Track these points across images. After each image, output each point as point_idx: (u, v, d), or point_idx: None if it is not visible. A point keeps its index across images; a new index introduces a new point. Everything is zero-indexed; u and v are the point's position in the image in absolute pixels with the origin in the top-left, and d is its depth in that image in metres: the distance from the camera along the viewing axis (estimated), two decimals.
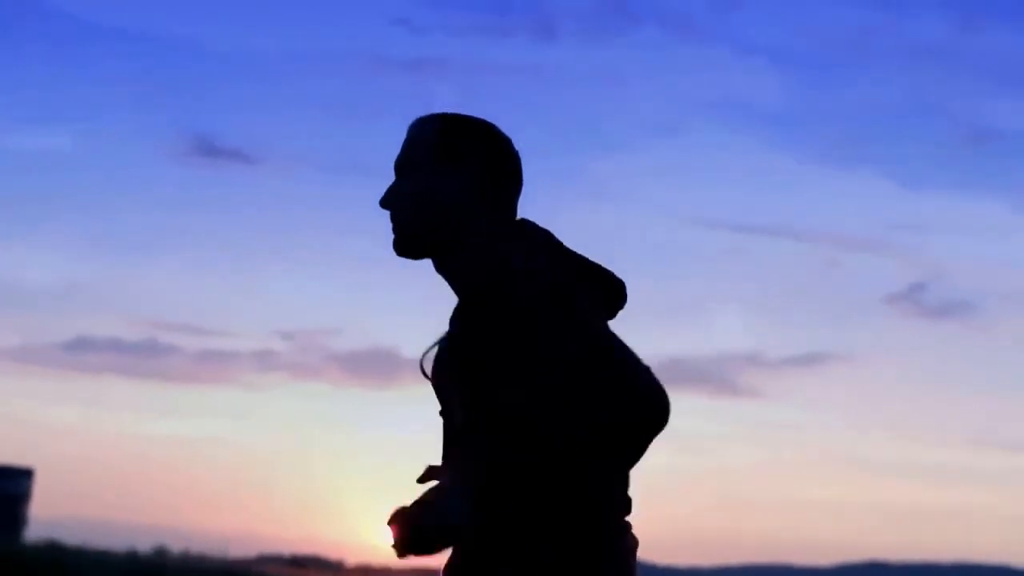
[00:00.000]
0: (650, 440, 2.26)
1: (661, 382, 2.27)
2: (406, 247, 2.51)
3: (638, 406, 2.23)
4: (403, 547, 2.34)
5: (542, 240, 2.45)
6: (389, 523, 2.34)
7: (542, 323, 2.30)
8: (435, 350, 2.49)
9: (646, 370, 2.27)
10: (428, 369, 2.50)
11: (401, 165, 2.53)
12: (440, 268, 2.51)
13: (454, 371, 2.39)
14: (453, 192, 2.47)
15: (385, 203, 2.52)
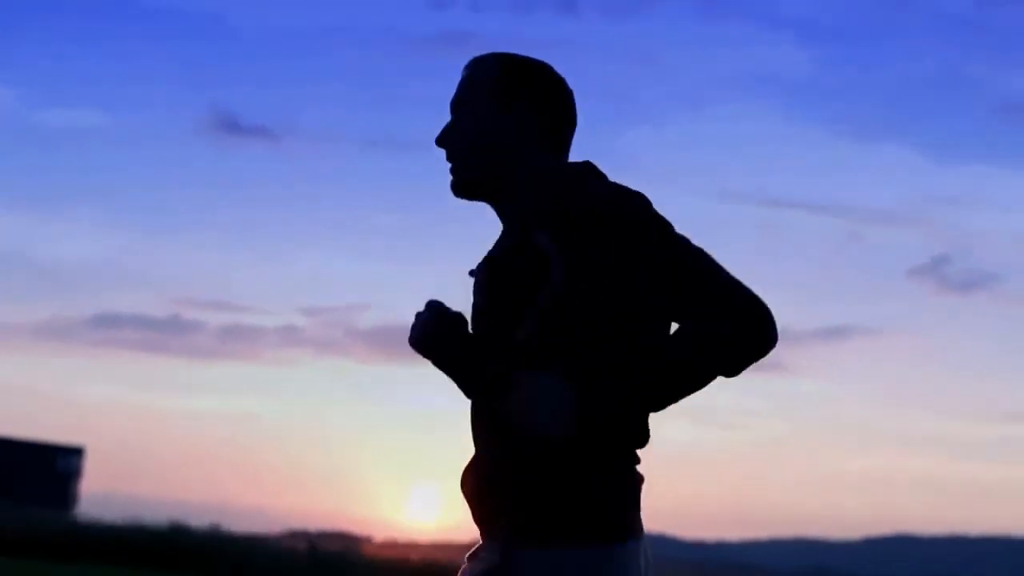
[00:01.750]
0: (762, 357, 2.37)
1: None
2: (464, 188, 2.53)
3: (759, 324, 2.34)
4: (421, 344, 2.50)
5: (602, 176, 2.48)
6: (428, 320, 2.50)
7: (638, 232, 2.35)
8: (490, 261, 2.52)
9: (754, 293, 2.37)
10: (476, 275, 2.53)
11: (457, 105, 2.54)
12: (500, 210, 2.53)
13: (533, 278, 2.39)
14: (510, 133, 2.49)
15: (441, 141, 2.53)
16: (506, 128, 2.49)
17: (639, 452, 2.45)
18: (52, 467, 34.36)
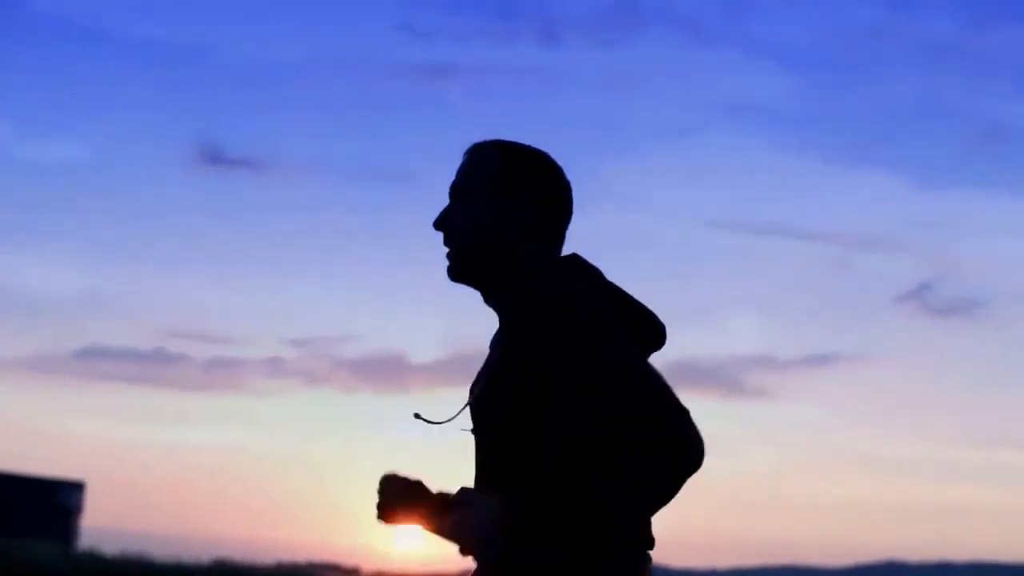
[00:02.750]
0: (683, 484, 2.32)
1: (694, 423, 2.32)
2: (462, 274, 2.52)
3: (683, 459, 2.28)
4: (385, 514, 2.45)
5: (591, 276, 2.48)
6: (384, 491, 2.45)
7: (584, 357, 2.32)
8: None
9: (686, 415, 2.30)
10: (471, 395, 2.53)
11: (458, 190, 2.54)
12: (489, 299, 2.54)
13: (498, 392, 2.41)
14: (512, 222, 2.49)
15: (439, 225, 2.54)
16: (505, 218, 2.49)
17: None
18: (53, 502, 34.58)
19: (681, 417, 2.29)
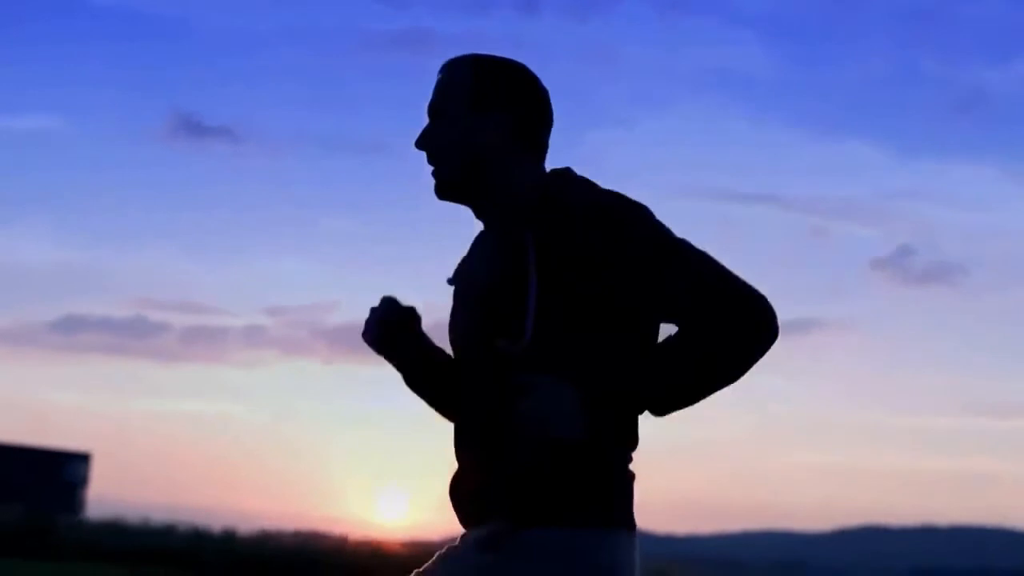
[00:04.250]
0: (763, 354, 2.37)
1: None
2: (446, 191, 2.53)
3: (765, 328, 2.35)
4: (378, 338, 2.55)
5: (587, 181, 2.49)
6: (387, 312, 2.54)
7: (627, 233, 2.36)
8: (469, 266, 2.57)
9: (755, 290, 2.37)
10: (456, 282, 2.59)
11: (435, 109, 2.54)
12: (480, 213, 2.55)
13: (520, 282, 2.40)
14: (489, 135, 2.49)
15: (420, 144, 2.54)
16: (485, 131, 2.48)
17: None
18: (59, 474, 34.94)
19: (753, 293, 2.36)
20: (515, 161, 2.50)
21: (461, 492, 2.48)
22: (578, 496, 2.35)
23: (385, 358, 2.60)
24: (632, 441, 2.43)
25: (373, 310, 2.56)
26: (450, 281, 2.58)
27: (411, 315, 2.56)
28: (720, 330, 2.32)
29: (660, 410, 2.38)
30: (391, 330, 2.55)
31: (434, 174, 2.53)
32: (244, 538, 24.13)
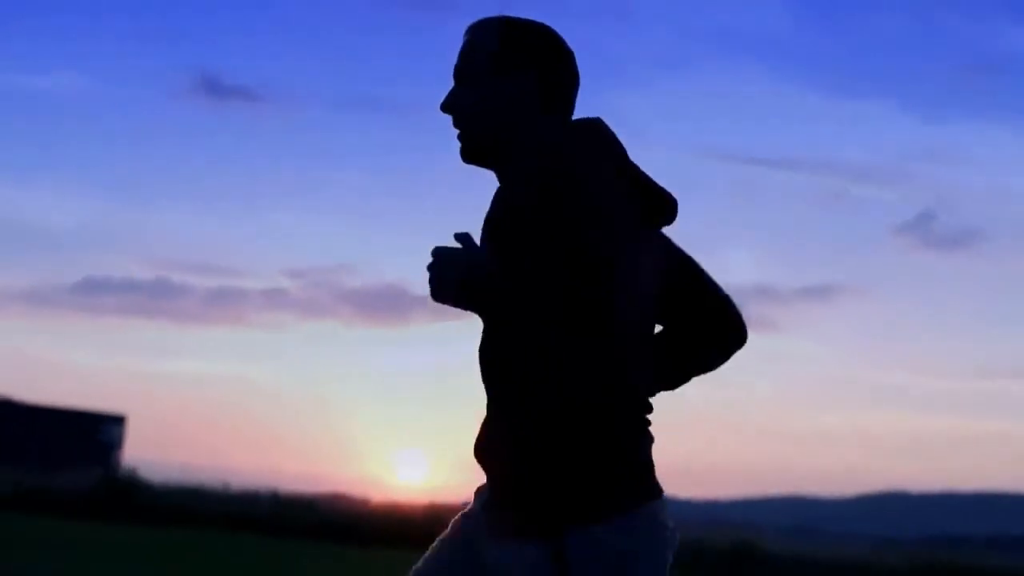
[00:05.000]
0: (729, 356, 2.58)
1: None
2: (472, 154, 2.52)
3: (734, 334, 2.54)
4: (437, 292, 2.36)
5: (605, 146, 2.47)
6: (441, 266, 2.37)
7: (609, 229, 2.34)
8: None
9: (728, 297, 2.54)
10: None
11: (461, 72, 2.54)
12: (504, 177, 2.52)
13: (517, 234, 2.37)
14: (516, 99, 2.49)
15: (446, 108, 2.54)
16: (510, 92, 2.49)
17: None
18: (94, 436, 35.35)
19: (730, 299, 2.55)
20: (540, 122, 2.49)
21: (487, 454, 2.48)
22: (611, 476, 2.35)
23: (463, 307, 2.40)
24: (648, 406, 2.44)
25: (429, 266, 2.37)
26: (457, 236, 2.46)
27: (466, 239, 2.40)
28: (696, 334, 2.52)
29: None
30: (450, 277, 2.35)
31: (460, 138, 2.54)
32: (290, 501, 24.40)
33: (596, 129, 2.49)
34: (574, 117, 2.54)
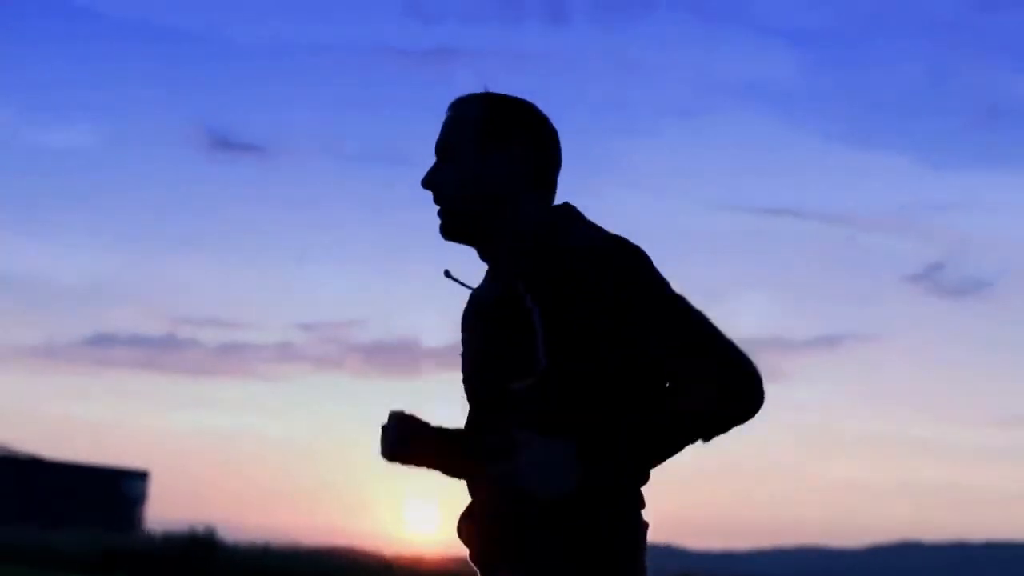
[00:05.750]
0: (748, 419, 2.33)
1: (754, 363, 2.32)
2: (454, 232, 2.49)
3: (748, 396, 2.31)
4: (394, 453, 2.48)
5: (588, 222, 2.45)
6: (393, 434, 2.47)
7: (629, 287, 2.31)
8: (467, 287, 2.53)
9: (745, 356, 2.32)
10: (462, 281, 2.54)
11: (444, 147, 2.49)
12: (485, 255, 2.49)
13: (522, 322, 2.35)
14: (500, 177, 2.44)
15: (427, 184, 2.49)
16: (493, 171, 2.44)
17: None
18: (117, 491, 35.25)
19: (746, 357, 2.33)
20: (523, 200, 2.45)
21: (468, 535, 2.46)
22: (587, 563, 2.31)
23: (410, 466, 2.54)
24: (640, 480, 2.39)
25: (384, 427, 2.50)
26: (447, 274, 2.52)
27: (422, 425, 2.50)
28: (710, 394, 2.30)
29: (648, 464, 2.36)
30: (405, 442, 2.49)
31: (441, 214, 2.49)
32: (280, 553, 24.27)
33: (575, 211, 2.47)
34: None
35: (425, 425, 2.50)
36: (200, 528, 22.98)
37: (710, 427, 2.32)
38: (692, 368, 2.31)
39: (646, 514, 2.40)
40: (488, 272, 2.52)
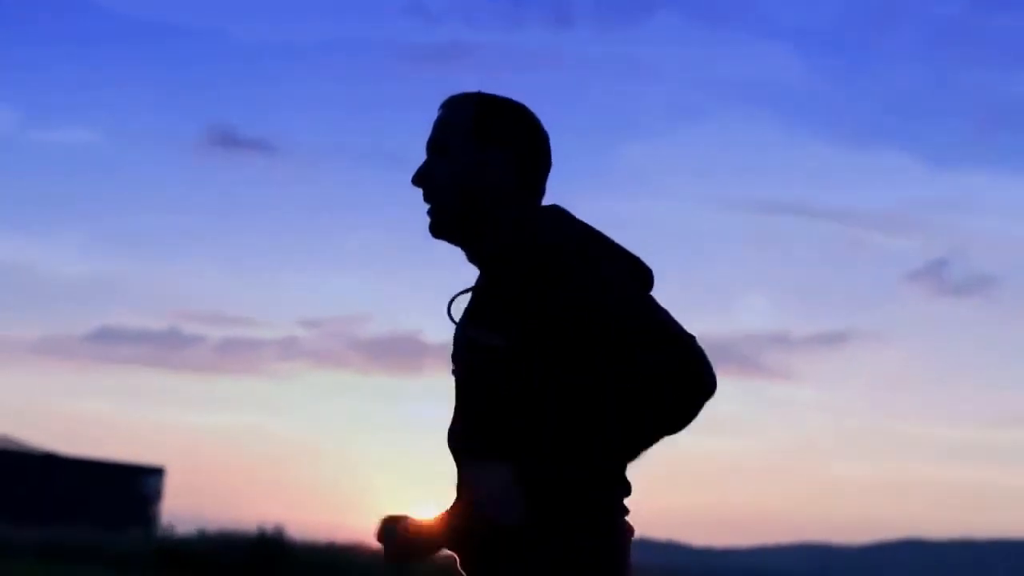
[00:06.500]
0: (706, 398, 2.32)
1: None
2: (444, 230, 2.50)
3: (701, 383, 2.30)
4: (394, 558, 2.49)
5: (575, 223, 2.45)
6: (386, 535, 2.47)
7: (560, 281, 2.32)
8: (463, 298, 2.53)
9: (694, 340, 2.32)
10: (455, 316, 2.53)
11: (435, 145, 2.50)
12: (472, 256, 2.51)
13: (496, 325, 2.38)
14: (490, 176, 2.46)
15: (417, 181, 2.50)
16: (484, 171, 2.45)
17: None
18: (134, 488, 35.05)
19: (695, 343, 2.31)
20: (512, 201, 2.46)
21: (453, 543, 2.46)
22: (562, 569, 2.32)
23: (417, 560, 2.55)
24: (622, 491, 2.40)
25: (384, 535, 2.49)
26: (449, 312, 2.54)
27: (417, 530, 2.46)
28: (672, 383, 2.28)
29: (626, 459, 2.37)
30: (401, 547, 2.47)
31: (430, 212, 2.50)
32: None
33: (564, 212, 2.47)
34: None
35: (419, 525, 2.47)
36: (268, 528, 22.84)
37: (676, 417, 2.31)
38: (654, 358, 2.29)
39: (636, 516, 2.42)
40: (478, 277, 2.53)
